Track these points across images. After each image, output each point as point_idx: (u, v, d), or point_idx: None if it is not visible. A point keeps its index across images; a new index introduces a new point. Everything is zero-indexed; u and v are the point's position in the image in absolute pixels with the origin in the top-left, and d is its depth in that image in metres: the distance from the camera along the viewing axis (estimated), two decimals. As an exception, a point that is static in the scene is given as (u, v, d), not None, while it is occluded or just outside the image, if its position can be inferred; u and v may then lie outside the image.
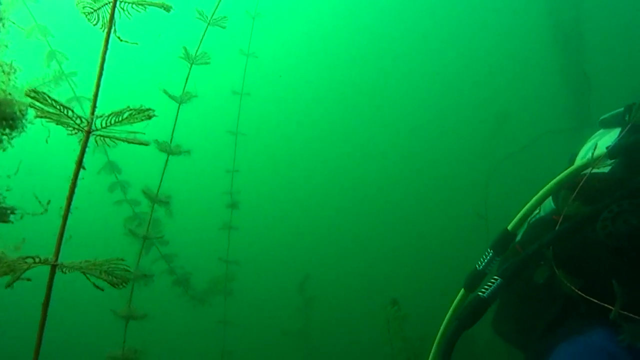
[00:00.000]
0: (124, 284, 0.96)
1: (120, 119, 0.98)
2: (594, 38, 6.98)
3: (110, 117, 0.98)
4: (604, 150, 2.18)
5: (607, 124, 2.60)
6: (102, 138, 1.01)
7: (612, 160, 2.21)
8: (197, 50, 1.86)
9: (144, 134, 1.04)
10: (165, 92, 1.83)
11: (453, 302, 2.46)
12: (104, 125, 0.99)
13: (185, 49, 1.84)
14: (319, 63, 9.39)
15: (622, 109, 2.48)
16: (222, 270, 4.13)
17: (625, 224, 1.90)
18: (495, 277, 2.14)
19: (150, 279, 1.84)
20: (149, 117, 1.03)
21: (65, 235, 0.99)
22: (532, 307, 2.38)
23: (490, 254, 2.44)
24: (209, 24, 1.91)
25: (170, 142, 1.87)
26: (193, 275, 4.13)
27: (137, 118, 1.01)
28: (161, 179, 1.86)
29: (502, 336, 2.61)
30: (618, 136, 2.26)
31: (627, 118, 2.26)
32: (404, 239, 7.59)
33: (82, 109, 3.41)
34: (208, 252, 4.23)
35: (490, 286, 2.13)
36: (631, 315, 1.76)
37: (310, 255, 7.65)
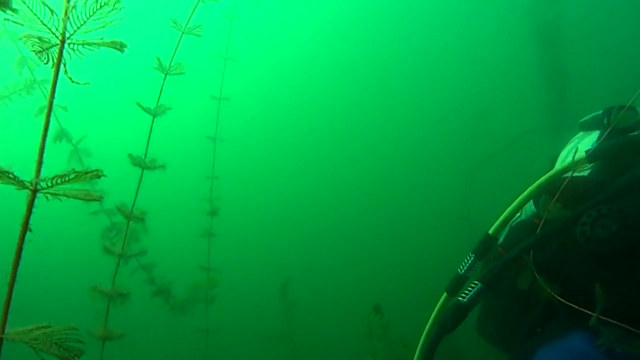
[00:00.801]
0: (76, 357, 0.90)
1: (66, 179, 0.95)
2: (572, 38, 7.05)
3: (55, 179, 0.95)
4: (584, 153, 2.19)
5: (587, 127, 2.61)
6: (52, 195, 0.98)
7: (592, 164, 2.22)
8: (171, 60, 1.81)
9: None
10: (138, 104, 1.77)
11: (436, 306, 2.47)
12: (49, 185, 0.96)
13: (159, 60, 1.79)
14: (300, 65, 9.36)
15: (601, 111, 2.49)
16: (203, 278, 4.08)
17: (604, 229, 1.91)
18: (476, 281, 2.14)
19: (127, 297, 1.79)
20: (98, 177, 1.01)
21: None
22: (513, 311, 2.39)
23: (472, 258, 2.43)
24: (183, 32, 1.86)
25: (145, 156, 1.82)
26: (174, 284, 4.06)
27: (84, 178, 0.99)
28: (136, 194, 1.81)
29: (485, 338, 2.62)
30: (597, 139, 2.27)
31: (605, 121, 2.27)
32: (386, 241, 7.59)
33: (57, 119, 3.34)
34: (189, 260, 4.17)
35: (470, 291, 2.13)
36: (611, 320, 1.76)
37: (292, 260, 7.62)
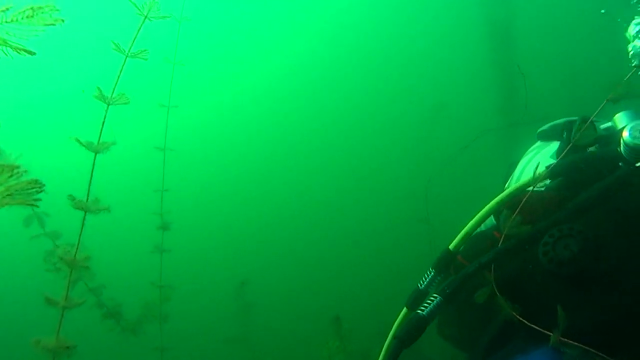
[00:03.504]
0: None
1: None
2: (524, 36, 7.17)
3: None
4: (545, 169, 2.17)
5: (545, 137, 2.61)
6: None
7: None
8: (114, 89, 1.65)
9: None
10: (77, 140, 1.61)
11: (396, 320, 2.45)
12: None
13: (99, 89, 1.63)
14: (249, 69, 9.29)
15: (561, 121, 2.49)
16: (156, 294, 3.92)
17: (566, 249, 1.91)
18: (435, 294, 2.12)
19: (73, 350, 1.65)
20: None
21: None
22: (473, 322, 2.38)
23: (432, 273, 2.41)
24: (127, 56, 1.71)
25: (87, 198, 1.66)
26: (125, 304, 3.89)
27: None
28: (80, 233, 1.66)
29: (446, 340, 2.61)
30: (558, 155, 2.26)
31: (565, 136, 2.26)
32: (344, 243, 7.58)
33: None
34: (141, 276, 4.00)
35: (429, 304, 2.11)
36: (572, 342, 1.76)
37: (249, 263, 7.53)
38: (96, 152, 1.65)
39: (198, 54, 8.13)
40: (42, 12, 0.94)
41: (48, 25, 1.00)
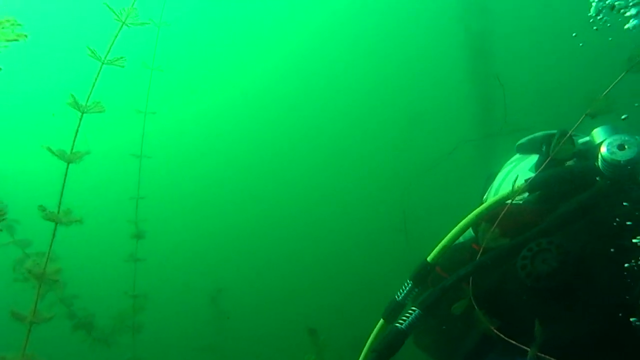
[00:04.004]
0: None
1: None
2: (501, 47, 7.26)
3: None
4: (523, 182, 2.18)
5: (524, 150, 2.62)
6: None
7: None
8: (88, 98, 1.60)
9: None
10: (49, 150, 1.56)
11: (372, 331, 2.43)
12: None
13: (73, 97, 1.57)
14: (228, 77, 9.25)
15: (540, 134, 2.51)
16: (129, 304, 3.83)
17: (544, 263, 1.93)
18: (414, 307, 2.11)
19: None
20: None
21: None
22: (450, 334, 2.38)
23: (410, 285, 2.40)
24: (103, 63, 1.66)
25: (59, 209, 1.60)
26: (97, 314, 3.79)
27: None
28: (50, 245, 1.59)
29: (423, 350, 2.60)
30: (537, 168, 2.27)
31: (544, 149, 2.28)
32: (320, 251, 7.56)
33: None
34: (114, 286, 3.91)
35: (408, 317, 2.10)
36: (548, 358, 1.76)
37: (223, 276, 7.45)
38: (69, 162, 1.60)
39: (177, 60, 8.06)
40: (2, 28, 0.88)
41: (10, 41, 0.95)
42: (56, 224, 1.59)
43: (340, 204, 8.02)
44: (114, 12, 1.67)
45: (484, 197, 2.77)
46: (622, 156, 1.88)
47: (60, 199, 1.61)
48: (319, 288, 7.03)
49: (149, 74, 4.04)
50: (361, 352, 2.33)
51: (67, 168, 1.60)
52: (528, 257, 1.95)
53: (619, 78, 1.93)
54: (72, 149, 1.59)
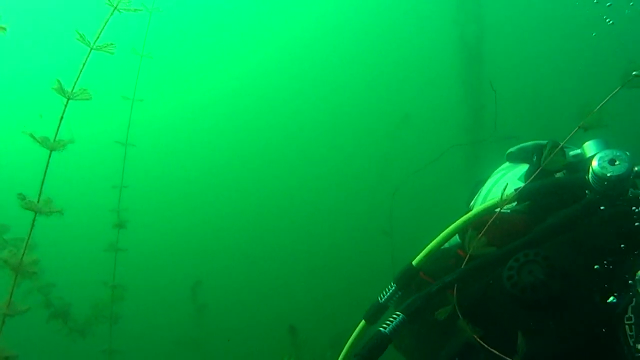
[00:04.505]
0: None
1: None
2: (493, 53, 7.30)
3: None
4: (513, 191, 2.17)
5: (514, 158, 2.62)
6: None
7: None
8: (75, 83, 1.54)
9: None
10: (31, 136, 1.49)
11: (353, 332, 2.41)
12: None
13: (59, 82, 1.51)
14: (215, 68, 9.20)
15: (530, 143, 2.50)
16: (107, 295, 3.75)
17: (531, 275, 1.92)
18: (398, 312, 2.10)
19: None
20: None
21: None
22: (432, 339, 2.38)
23: (393, 288, 2.38)
24: (92, 48, 1.60)
25: (39, 198, 1.54)
26: (74, 304, 3.72)
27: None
28: (29, 235, 1.53)
29: (403, 353, 2.60)
30: (526, 178, 2.27)
31: (535, 159, 2.27)
32: (303, 249, 7.54)
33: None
34: (93, 275, 3.83)
35: (392, 322, 2.08)
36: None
37: (203, 269, 7.40)
38: (51, 150, 1.54)
39: (169, 47, 7.99)
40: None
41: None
42: (36, 213, 1.54)
43: (326, 203, 8.01)
44: (105, -3, 1.62)
45: (471, 203, 2.76)
46: (612, 171, 1.88)
47: (41, 188, 1.56)
48: (302, 286, 7.02)
49: (138, 60, 3.96)
50: (341, 352, 2.32)
51: (50, 156, 1.54)
52: (515, 267, 1.95)
53: (614, 92, 1.92)
54: (55, 136, 1.54)
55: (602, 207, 1.94)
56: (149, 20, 3.97)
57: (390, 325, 2.05)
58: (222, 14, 9.36)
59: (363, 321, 2.39)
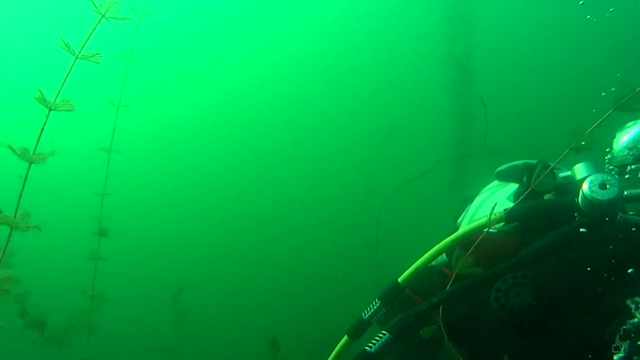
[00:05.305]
0: None
1: None
2: (483, 67, 7.35)
3: None
4: (502, 211, 2.16)
5: (503, 177, 2.61)
6: None
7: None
8: (58, 94, 1.48)
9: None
10: (10, 148, 1.43)
11: (335, 347, 2.38)
12: None
13: (41, 92, 1.45)
14: (205, 69, 9.16)
15: (519, 163, 2.50)
16: (86, 304, 3.66)
17: (518, 297, 1.91)
18: (384, 332, 2.07)
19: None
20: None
21: None
22: (415, 357, 2.36)
23: (378, 304, 2.36)
24: (77, 57, 1.54)
25: (16, 212, 1.47)
26: (51, 313, 3.62)
27: None
28: (4, 249, 1.46)
29: None
30: (516, 198, 2.26)
31: (525, 180, 2.26)
32: (287, 263, 7.50)
33: None
34: (72, 284, 3.75)
35: (378, 341, 2.06)
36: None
37: (185, 279, 7.33)
38: (31, 163, 1.48)
39: (157, 53, 7.93)
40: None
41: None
42: (12, 228, 1.47)
43: (312, 214, 7.98)
44: (93, 4, 1.56)
45: (458, 220, 2.75)
46: (603, 195, 1.87)
47: (19, 201, 1.49)
48: (285, 296, 6.97)
49: (125, 65, 3.89)
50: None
51: (29, 169, 1.48)
52: (502, 289, 1.94)
53: (605, 115, 1.92)
54: (35, 148, 1.47)
55: (591, 231, 1.93)
56: (138, 25, 3.90)
57: (376, 345, 2.03)
58: (212, 15, 9.33)
59: (346, 336, 2.36)
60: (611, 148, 2.12)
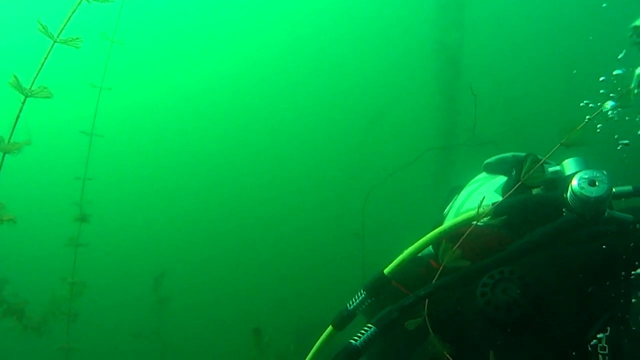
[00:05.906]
0: None
1: None
2: (472, 57, 7.33)
3: None
4: (490, 205, 2.14)
5: (492, 169, 2.59)
6: None
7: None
8: (34, 80, 1.41)
9: None
10: None
11: (319, 337, 2.37)
12: None
13: (16, 77, 1.37)
14: (190, 52, 9.03)
15: (508, 155, 2.48)
16: (66, 291, 3.59)
17: (504, 293, 1.89)
18: (370, 325, 2.05)
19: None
20: None
21: None
22: (399, 349, 2.35)
23: (363, 295, 2.34)
24: (55, 41, 1.47)
25: None
26: (32, 301, 3.55)
27: None
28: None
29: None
30: (504, 191, 2.24)
31: (514, 173, 2.24)
32: (273, 250, 7.48)
33: None
34: (52, 271, 3.67)
35: (363, 334, 2.04)
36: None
37: (167, 265, 7.28)
38: (5, 152, 1.41)
39: (141, 35, 7.80)
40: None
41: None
42: (-13, 220, 1.41)
43: (297, 202, 7.95)
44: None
45: (445, 211, 2.73)
46: (592, 192, 1.85)
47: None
48: (269, 282, 6.96)
49: (108, 46, 3.79)
50: (306, 357, 2.27)
51: (3, 158, 1.41)
52: (489, 284, 1.92)
53: (597, 111, 1.91)
54: (10, 137, 1.40)
55: (579, 228, 1.91)
56: (121, 5, 3.80)
57: (362, 338, 2.00)
58: (193, 3, 9.21)
59: (330, 327, 2.34)
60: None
